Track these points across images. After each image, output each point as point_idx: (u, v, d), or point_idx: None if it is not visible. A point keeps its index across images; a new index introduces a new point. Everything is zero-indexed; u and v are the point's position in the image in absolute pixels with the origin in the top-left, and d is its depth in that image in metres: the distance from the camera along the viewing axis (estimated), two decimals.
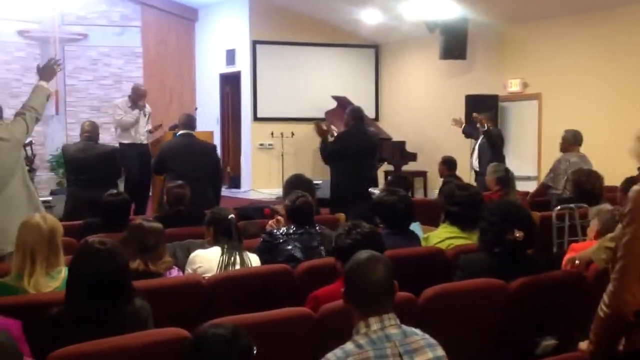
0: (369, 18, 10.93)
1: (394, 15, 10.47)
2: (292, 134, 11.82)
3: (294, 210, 4.06)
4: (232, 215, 3.89)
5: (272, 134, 11.77)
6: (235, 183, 12.35)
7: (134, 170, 7.88)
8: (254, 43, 11.61)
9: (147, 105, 8.50)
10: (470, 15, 9.85)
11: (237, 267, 3.71)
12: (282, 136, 11.74)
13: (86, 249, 2.64)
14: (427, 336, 2.23)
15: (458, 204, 4.15)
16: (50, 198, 8.81)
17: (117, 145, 8.27)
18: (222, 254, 3.70)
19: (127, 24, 12.17)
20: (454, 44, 10.04)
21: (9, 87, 11.03)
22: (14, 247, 3.63)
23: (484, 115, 8.21)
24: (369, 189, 5.75)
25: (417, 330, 2.23)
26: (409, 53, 11.88)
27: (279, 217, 4.62)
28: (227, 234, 3.80)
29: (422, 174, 11.19)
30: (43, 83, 4.37)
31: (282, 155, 11.68)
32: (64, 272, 3.16)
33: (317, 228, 4.12)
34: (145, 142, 8.23)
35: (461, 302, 3.12)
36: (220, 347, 2.13)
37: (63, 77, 11.59)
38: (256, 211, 5.99)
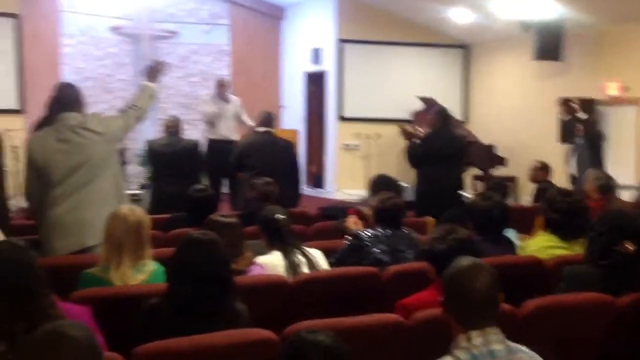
0: (459, 17, 10.64)
1: (485, 14, 10.15)
2: (378, 135, 11.63)
3: (383, 212, 3.90)
4: (278, 215, 3.70)
5: (357, 134, 11.63)
6: (319, 183, 12.28)
7: (217, 167, 7.87)
8: (341, 42, 11.51)
9: (231, 96, 8.50)
10: (567, 14, 9.42)
11: (304, 267, 3.55)
12: (368, 137, 11.57)
13: (190, 240, 2.63)
14: (534, 354, 2.04)
15: (559, 211, 3.89)
16: (139, 192, 8.97)
17: (205, 140, 8.38)
18: (284, 258, 3.55)
19: (216, 22, 12.30)
20: (549, 44, 9.60)
21: (102, 82, 11.32)
22: (96, 242, 3.68)
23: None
24: (460, 193, 5.52)
25: (524, 348, 2.04)
26: (500, 53, 11.49)
27: (357, 220, 4.49)
28: (277, 236, 3.64)
29: (512, 179, 10.79)
30: (148, 84, 4.33)
31: (368, 156, 11.52)
32: (150, 265, 3.13)
33: (405, 231, 3.96)
34: (232, 138, 8.22)
35: (566, 316, 2.89)
36: (322, 356, 1.93)
37: None
38: (340, 211, 5.88)
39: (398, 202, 3.95)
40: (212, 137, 8.36)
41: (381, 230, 3.85)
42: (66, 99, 4.03)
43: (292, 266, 3.49)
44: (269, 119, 6.72)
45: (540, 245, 3.91)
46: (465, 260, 2.12)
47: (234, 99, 8.63)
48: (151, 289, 2.90)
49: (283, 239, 3.61)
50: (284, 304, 3.27)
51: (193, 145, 6.92)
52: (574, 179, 8.41)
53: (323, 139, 12.25)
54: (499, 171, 10.76)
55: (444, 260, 2.81)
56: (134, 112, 4.18)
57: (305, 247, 3.66)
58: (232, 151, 6.91)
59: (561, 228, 3.91)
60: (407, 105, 11.29)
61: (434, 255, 2.90)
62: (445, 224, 3.17)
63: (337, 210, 5.95)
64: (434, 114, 6.87)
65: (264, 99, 12.55)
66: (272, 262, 3.52)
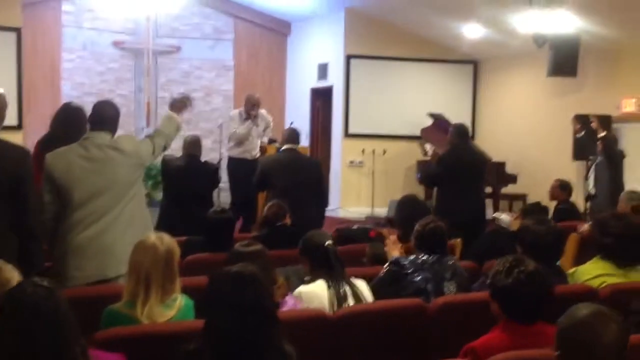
0: (471, 32, 10.37)
1: (498, 30, 9.91)
2: (384, 151, 11.37)
3: (425, 237, 3.61)
4: (329, 242, 3.33)
5: (363, 151, 11.36)
6: None
7: (240, 186, 7.58)
8: (348, 57, 11.25)
9: (260, 115, 8.20)
10: (583, 28, 9.17)
11: (351, 300, 3.22)
12: (374, 154, 11.31)
13: (228, 275, 2.31)
14: None
15: (612, 235, 3.62)
16: None
17: (227, 158, 8.17)
18: (329, 288, 3.19)
19: (220, 37, 12.04)
20: (564, 60, 9.33)
21: (102, 98, 11.00)
22: (116, 273, 3.46)
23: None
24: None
25: None
26: (511, 69, 11.25)
27: (396, 240, 4.20)
28: (325, 265, 3.27)
29: (522, 197, 10.54)
30: (173, 114, 4.11)
31: (373, 174, 11.24)
32: (179, 299, 2.82)
33: (448, 259, 3.67)
34: (256, 157, 7.88)
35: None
36: None
37: (155, 89, 11.55)
38: (361, 233, 5.59)
39: (441, 226, 3.65)
40: (235, 155, 8.07)
41: (424, 257, 3.56)
42: (101, 117, 3.78)
43: (338, 297, 3.16)
44: (294, 136, 6.37)
45: (593, 273, 3.63)
46: (584, 308, 1.81)
47: (264, 115, 8.31)
48: (182, 327, 2.61)
49: (331, 268, 3.25)
50: (325, 340, 2.97)
51: (211, 170, 6.57)
52: (590, 197, 8.17)
53: (328, 156, 11.95)
54: (508, 189, 10.53)
55: (510, 296, 2.55)
56: (161, 140, 3.97)
57: (351, 277, 3.33)
58: (252, 169, 6.55)
59: (615, 254, 3.64)
60: (415, 121, 11.02)
61: (499, 290, 2.60)
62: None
63: (357, 232, 5.65)
64: (452, 130, 6.57)
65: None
66: (316, 293, 3.17)
